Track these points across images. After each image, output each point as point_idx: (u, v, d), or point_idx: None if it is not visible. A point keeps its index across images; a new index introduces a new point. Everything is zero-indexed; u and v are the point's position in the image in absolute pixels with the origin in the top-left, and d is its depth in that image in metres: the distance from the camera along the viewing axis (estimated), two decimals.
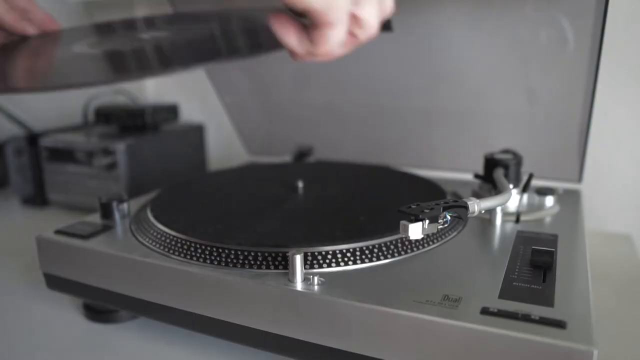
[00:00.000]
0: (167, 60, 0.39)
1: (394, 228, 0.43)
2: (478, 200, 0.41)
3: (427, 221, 0.36)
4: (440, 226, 0.38)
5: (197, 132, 0.95)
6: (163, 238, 0.46)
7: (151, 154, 0.83)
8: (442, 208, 0.38)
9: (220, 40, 0.42)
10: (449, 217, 0.38)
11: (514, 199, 0.53)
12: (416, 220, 0.36)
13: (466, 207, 0.40)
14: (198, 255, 0.43)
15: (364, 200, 0.56)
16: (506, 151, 0.57)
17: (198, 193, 0.61)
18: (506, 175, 0.53)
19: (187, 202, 0.57)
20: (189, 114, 1.02)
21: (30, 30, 0.54)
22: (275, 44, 0.33)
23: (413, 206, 0.38)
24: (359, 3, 0.30)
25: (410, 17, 0.62)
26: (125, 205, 0.54)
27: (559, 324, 0.31)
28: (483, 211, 0.42)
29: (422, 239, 0.44)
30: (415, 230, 0.36)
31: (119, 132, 0.87)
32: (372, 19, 0.32)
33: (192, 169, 0.92)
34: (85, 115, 0.94)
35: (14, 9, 0.52)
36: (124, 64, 0.40)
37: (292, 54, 0.33)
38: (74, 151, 0.80)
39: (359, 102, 0.75)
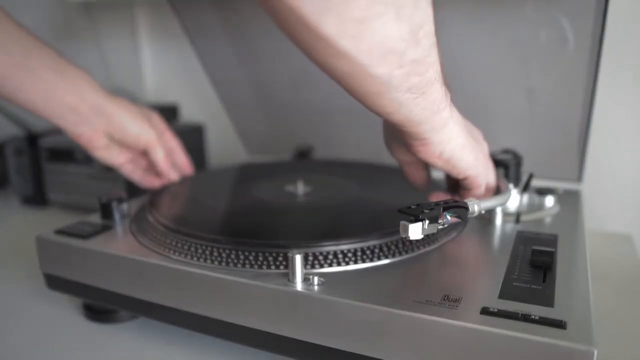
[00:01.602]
0: None
1: (395, 228, 0.43)
2: (478, 201, 0.41)
3: (427, 221, 0.36)
4: (440, 226, 0.38)
5: (197, 132, 0.95)
6: (163, 238, 0.46)
7: None
8: (442, 208, 0.38)
9: None
10: (449, 218, 0.38)
11: (514, 199, 0.53)
12: (416, 220, 0.36)
13: (466, 208, 0.40)
14: (198, 255, 0.43)
15: (364, 199, 0.56)
16: (506, 151, 0.57)
17: (197, 192, 0.61)
18: (506, 175, 0.53)
19: (187, 201, 0.57)
20: (189, 114, 1.02)
21: (174, 176, 0.63)
22: None
23: (413, 206, 0.38)
24: (487, 174, 0.45)
25: None
26: (125, 205, 0.54)
27: (559, 324, 0.31)
28: (483, 211, 0.42)
29: (422, 239, 0.44)
30: (415, 231, 0.36)
31: None
32: (493, 181, 0.47)
33: None
34: None
35: (167, 152, 0.61)
36: None
37: None
38: (74, 151, 0.80)
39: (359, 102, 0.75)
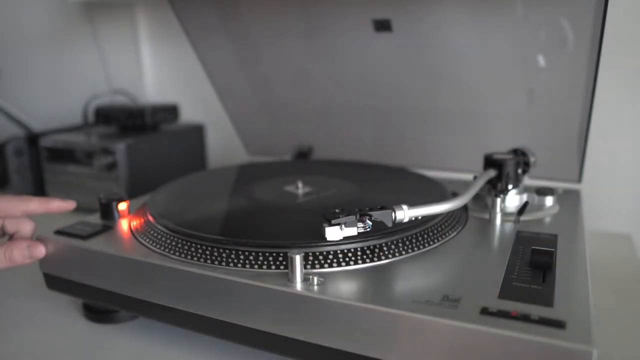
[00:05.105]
0: None
1: (394, 228, 0.43)
2: (406, 207, 0.41)
3: (344, 225, 0.40)
4: (361, 230, 0.40)
5: (197, 132, 0.95)
6: (163, 238, 0.46)
7: (151, 154, 0.84)
8: (358, 215, 0.40)
9: None
10: (370, 223, 0.41)
11: (514, 199, 0.53)
12: (330, 225, 0.39)
13: (393, 211, 0.41)
14: (198, 255, 0.43)
15: (364, 199, 0.56)
16: (514, 150, 0.57)
17: (197, 192, 0.61)
18: (506, 175, 0.53)
19: (186, 202, 0.57)
20: (189, 114, 1.02)
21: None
22: None
23: (337, 210, 0.41)
24: None
25: (410, 17, 0.62)
26: (125, 205, 0.53)
27: (559, 324, 0.31)
28: (420, 217, 0.42)
29: (422, 238, 0.44)
30: (332, 233, 0.39)
31: (119, 132, 0.87)
32: None
33: (192, 169, 0.92)
34: (85, 115, 0.94)
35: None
36: None
37: None
38: (74, 151, 0.80)
39: (359, 102, 0.75)
